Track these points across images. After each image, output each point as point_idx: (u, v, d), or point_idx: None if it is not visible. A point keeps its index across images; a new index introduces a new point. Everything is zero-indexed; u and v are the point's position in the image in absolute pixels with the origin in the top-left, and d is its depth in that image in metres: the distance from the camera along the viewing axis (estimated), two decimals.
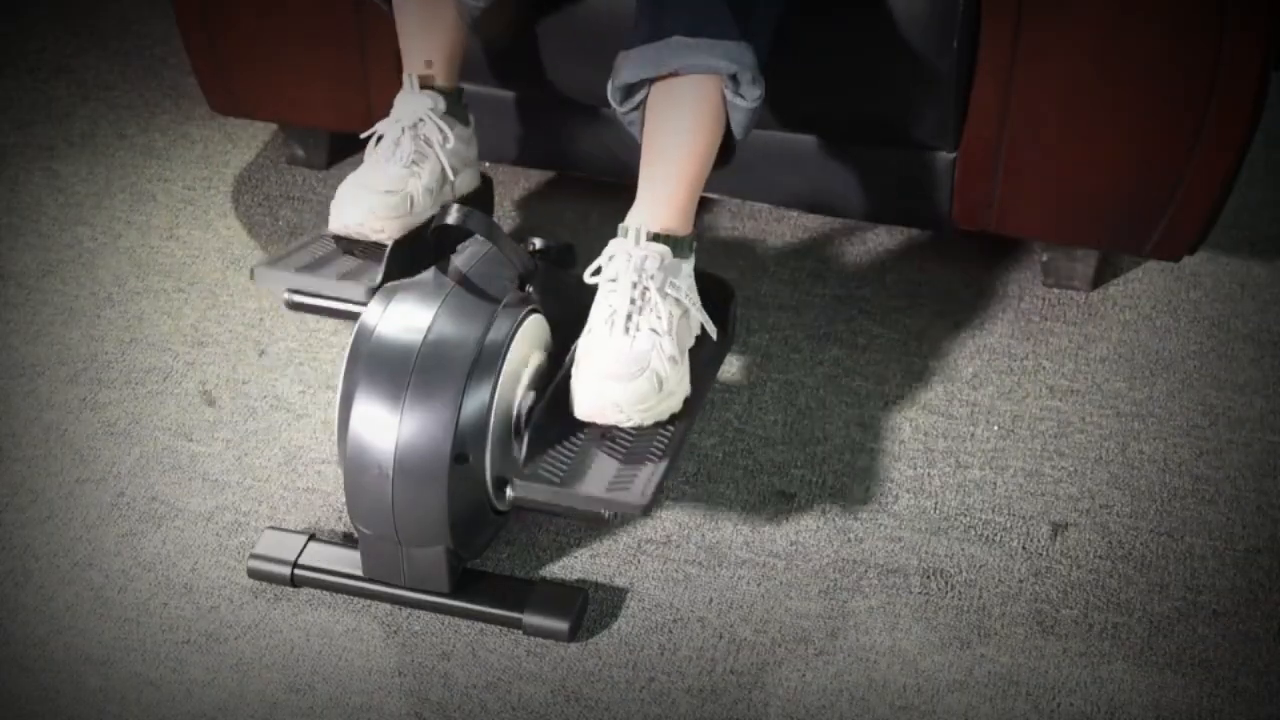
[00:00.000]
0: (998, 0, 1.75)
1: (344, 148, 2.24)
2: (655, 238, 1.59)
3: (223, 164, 2.25)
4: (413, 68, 1.82)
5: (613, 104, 1.66)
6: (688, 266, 1.63)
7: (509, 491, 1.54)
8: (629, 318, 1.56)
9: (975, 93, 1.83)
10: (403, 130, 1.78)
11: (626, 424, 1.54)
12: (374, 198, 1.74)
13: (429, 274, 1.61)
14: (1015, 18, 1.75)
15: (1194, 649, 1.57)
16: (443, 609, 1.59)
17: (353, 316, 1.68)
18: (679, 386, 1.58)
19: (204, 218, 2.15)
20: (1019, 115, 1.82)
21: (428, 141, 1.78)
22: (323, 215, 2.14)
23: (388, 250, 1.72)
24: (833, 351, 1.92)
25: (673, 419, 1.58)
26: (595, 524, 1.66)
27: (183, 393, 1.87)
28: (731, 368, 1.90)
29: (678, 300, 1.59)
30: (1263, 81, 1.73)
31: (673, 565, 1.66)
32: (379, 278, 1.70)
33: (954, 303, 2.00)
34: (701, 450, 1.79)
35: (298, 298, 1.73)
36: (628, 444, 1.56)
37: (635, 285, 1.57)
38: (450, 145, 1.80)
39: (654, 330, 1.56)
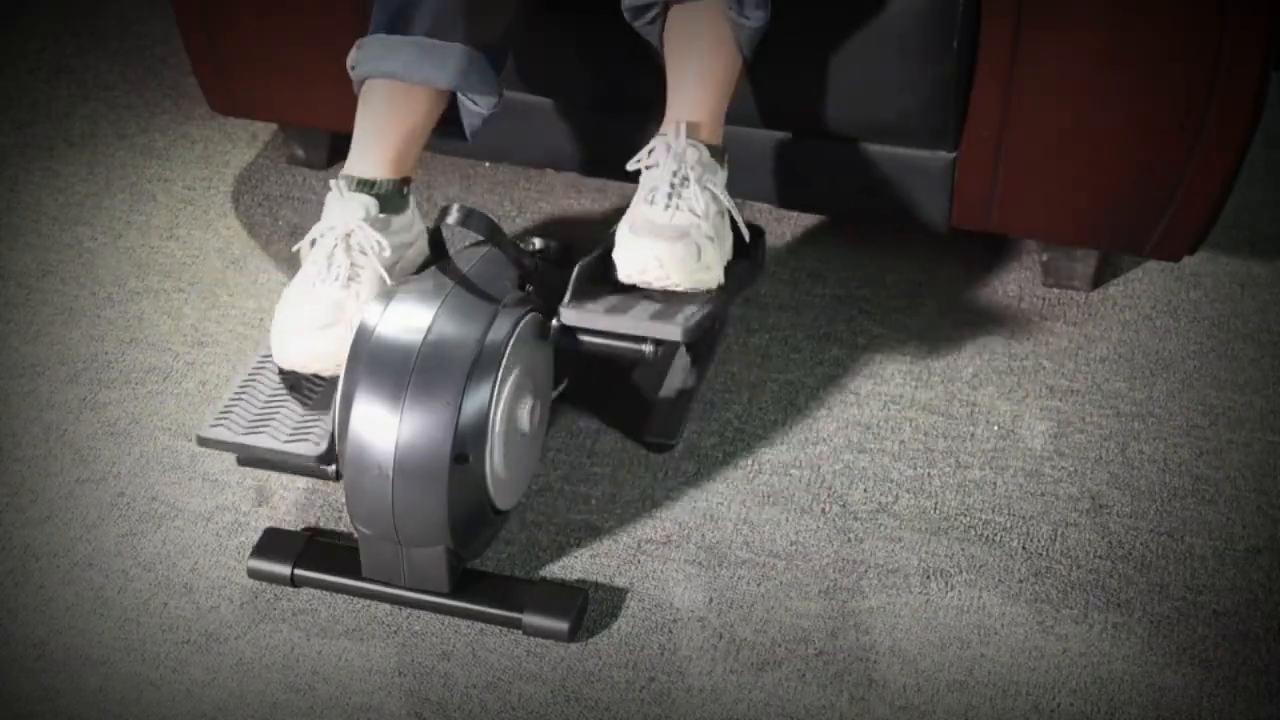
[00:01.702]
0: (998, 0, 1.75)
1: (344, 147, 2.23)
2: (692, 140, 1.67)
3: (223, 164, 2.25)
4: (351, 167, 1.70)
5: (626, 17, 1.75)
6: (722, 175, 1.70)
7: (554, 322, 1.59)
8: (669, 196, 1.63)
9: (975, 93, 1.83)
10: (335, 242, 1.64)
11: (664, 282, 1.61)
12: (313, 337, 1.60)
13: (429, 274, 1.61)
14: (1015, 18, 1.75)
15: (1194, 649, 1.57)
16: (443, 609, 1.59)
17: (308, 471, 1.60)
18: (715, 265, 1.65)
19: (204, 218, 2.15)
20: (1019, 115, 1.82)
21: (362, 251, 1.64)
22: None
23: (334, 401, 1.58)
24: (833, 351, 1.92)
25: (708, 293, 1.65)
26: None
27: (183, 393, 1.87)
28: (731, 367, 1.90)
29: (715, 195, 1.67)
30: (1263, 81, 1.73)
31: (673, 565, 1.66)
32: (324, 445, 1.56)
33: (954, 303, 2.00)
34: (701, 450, 1.79)
35: (249, 455, 1.61)
36: (667, 298, 1.64)
37: (675, 173, 1.64)
38: (386, 253, 1.66)
39: (693, 211, 1.63)
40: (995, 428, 1.82)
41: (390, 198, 1.68)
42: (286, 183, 2.22)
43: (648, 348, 1.61)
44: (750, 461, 1.78)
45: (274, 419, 1.59)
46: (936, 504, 1.73)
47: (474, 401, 1.51)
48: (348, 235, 1.64)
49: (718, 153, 1.70)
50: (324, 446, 1.55)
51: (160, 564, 1.66)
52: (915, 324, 1.96)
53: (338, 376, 1.58)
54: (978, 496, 1.74)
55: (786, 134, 1.93)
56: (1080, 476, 1.76)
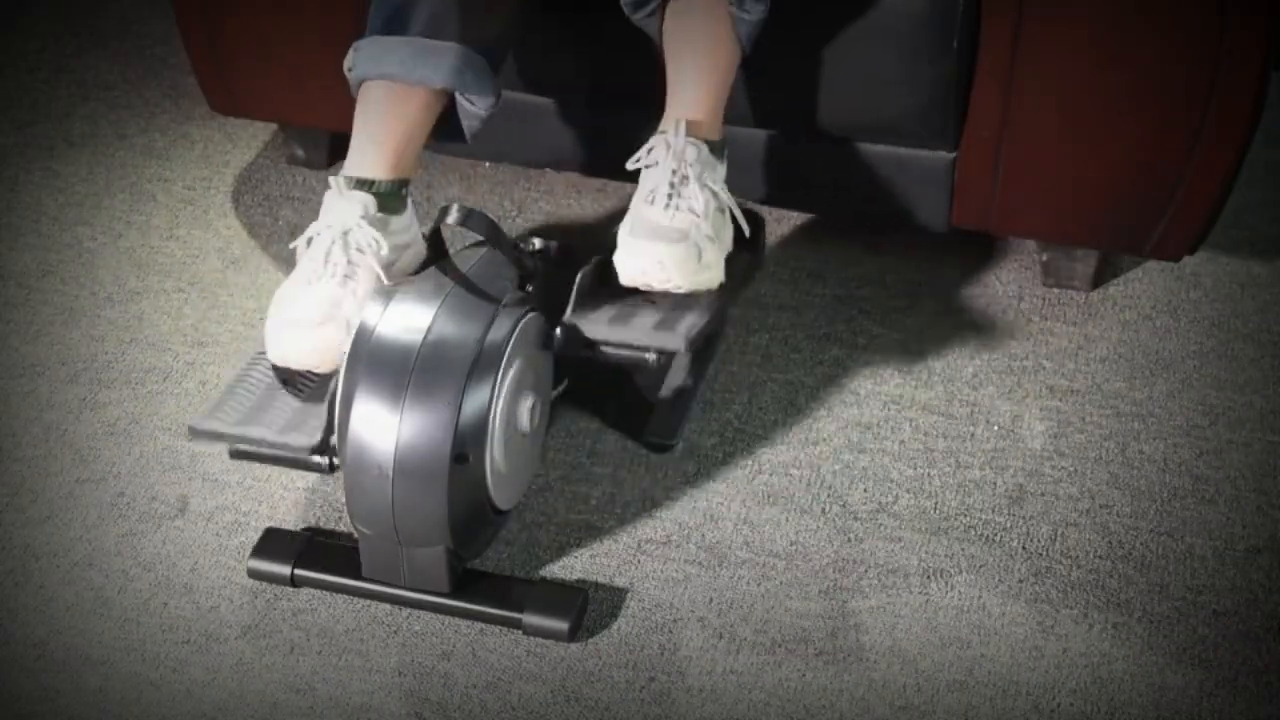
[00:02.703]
0: (998, 0, 1.75)
1: (344, 148, 2.23)
2: (691, 137, 1.68)
3: (223, 164, 2.25)
4: (351, 167, 1.69)
5: (625, 10, 1.75)
6: (722, 170, 1.71)
7: (558, 332, 1.60)
8: (669, 197, 1.64)
9: (975, 93, 1.83)
10: (332, 241, 1.64)
11: (666, 284, 1.62)
12: (309, 334, 1.60)
13: (429, 274, 1.61)
14: (1015, 18, 1.75)
15: (1194, 649, 1.57)
16: (443, 609, 1.59)
17: (302, 465, 1.59)
18: (716, 265, 1.66)
19: (204, 218, 2.15)
20: (1019, 115, 1.82)
21: (360, 249, 1.64)
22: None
23: (328, 395, 1.58)
24: (833, 351, 1.92)
25: (709, 294, 1.67)
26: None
27: (183, 392, 1.87)
28: (732, 367, 1.90)
29: (715, 193, 1.67)
30: (1263, 81, 1.73)
31: (673, 565, 1.66)
32: (319, 437, 1.56)
33: (954, 303, 2.00)
34: (701, 450, 1.79)
35: (242, 447, 1.61)
36: (668, 304, 1.65)
37: (675, 171, 1.65)
38: (384, 252, 1.65)
39: (692, 210, 1.64)
40: (995, 428, 1.82)
41: (389, 198, 1.68)
42: (286, 183, 2.22)
43: (650, 356, 1.62)
44: (750, 461, 1.78)
45: (267, 412, 1.59)
46: (936, 504, 1.73)
47: (474, 401, 1.51)
48: (345, 233, 1.63)
49: (717, 148, 1.71)
50: (318, 438, 1.55)
51: (160, 564, 1.66)
52: (915, 324, 1.96)
53: (331, 373, 1.58)
54: (977, 496, 1.74)
55: (786, 134, 1.93)
56: (1080, 476, 1.76)
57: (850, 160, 1.92)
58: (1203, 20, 1.70)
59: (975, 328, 1.96)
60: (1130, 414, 1.84)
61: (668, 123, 1.70)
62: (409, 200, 1.73)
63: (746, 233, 1.73)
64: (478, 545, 1.62)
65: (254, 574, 1.63)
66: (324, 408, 1.56)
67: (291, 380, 1.63)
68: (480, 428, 1.52)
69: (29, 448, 1.80)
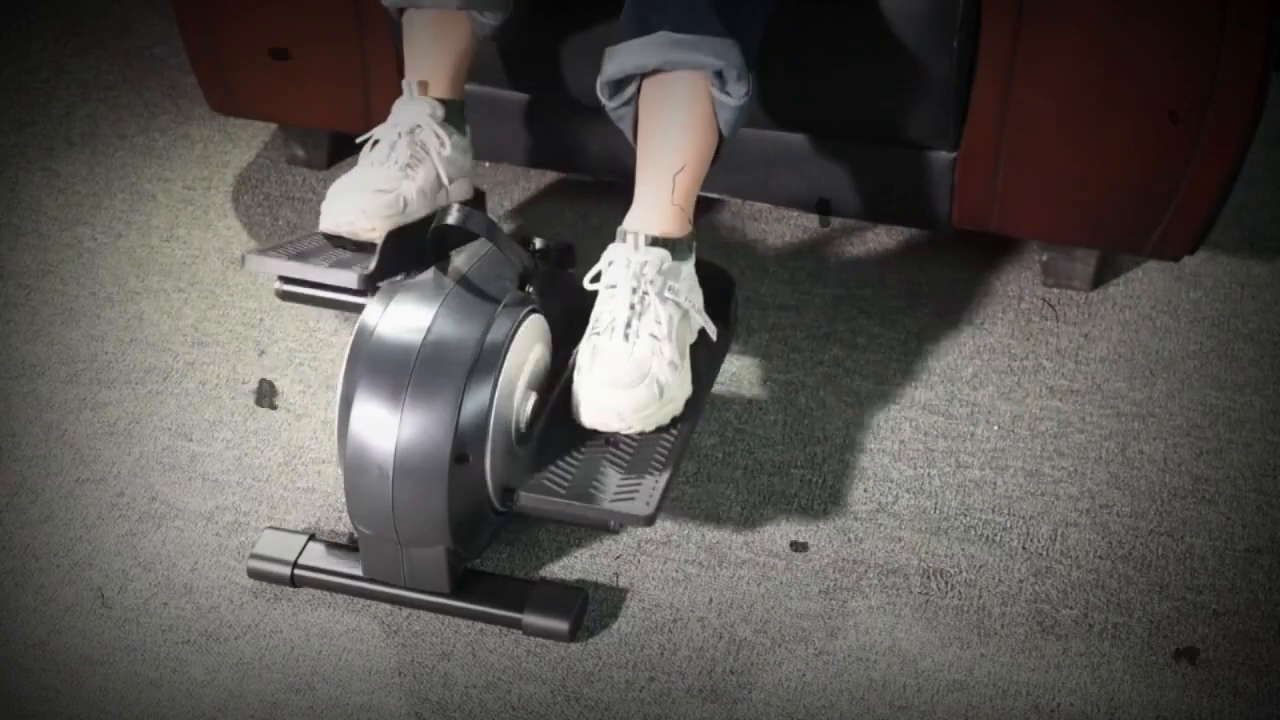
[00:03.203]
0: (998, 0, 1.75)
1: (344, 148, 2.24)
2: (654, 241, 1.59)
3: (223, 164, 2.25)
4: (414, 75, 1.80)
5: (601, 99, 1.67)
6: (687, 268, 1.64)
7: (517, 499, 1.54)
8: (629, 324, 1.56)
9: (975, 93, 1.83)
10: (399, 135, 1.75)
11: (629, 431, 1.55)
12: (366, 196, 1.70)
13: (429, 274, 1.61)
14: (1015, 18, 1.75)
15: (1194, 649, 1.57)
16: (443, 609, 1.59)
17: (345, 306, 1.65)
18: (680, 391, 1.59)
19: (204, 218, 2.15)
20: (1019, 115, 1.82)
21: (424, 147, 1.75)
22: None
23: (381, 241, 1.67)
24: (833, 351, 1.92)
25: (674, 422, 1.59)
26: (600, 530, 1.67)
27: (183, 392, 1.87)
28: (731, 367, 1.90)
29: (677, 304, 1.60)
30: (1263, 81, 1.73)
31: (673, 565, 1.66)
32: (372, 266, 1.64)
33: (954, 303, 2.00)
34: (701, 450, 1.79)
35: (289, 287, 1.68)
36: (631, 451, 1.57)
37: (635, 291, 1.57)
38: (446, 152, 1.77)
39: (654, 335, 1.56)
40: (995, 428, 1.82)
41: (453, 111, 1.79)
42: (286, 183, 2.22)
43: (613, 523, 1.59)
44: (750, 461, 1.78)
45: (318, 255, 1.66)
46: (936, 504, 1.73)
47: (474, 401, 1.51)
48: (412, 130, 1.75)
49: (684, 245, 1.63)
50: (370, 269, 1.61)
51: (160, 564, 1.66)
52: (915, 324, 1.96)
53: (377, 244, 1.65)
54: (977, 496, 1.74)
55: (787, 134, 1.93)
56: (1080, 476, 1.76)
57: (850, 160, 1.93)
58: (1203, 20, 1.70)
59: (975, 328, 1.96)
60: (1130, 414, 1.84)
61: (629, 227, 1.62)
62: (468, 128, 1.83)
63: (714, 337, 1.66)
64: (478, 545, 1.62)
65: (254, 574, 1.63)
66: (374, 254, 1.63)
67: (342, 244, 1.71)
68: (480, 428, 1.52)
69: (29, 448, 1.80)
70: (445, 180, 1.78)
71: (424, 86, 1.78)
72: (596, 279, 1.60)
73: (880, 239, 2.09)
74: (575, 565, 1.66)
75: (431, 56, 1.80)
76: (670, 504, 1.72)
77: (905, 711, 1.52)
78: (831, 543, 1.68)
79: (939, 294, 2.01)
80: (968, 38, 1.78)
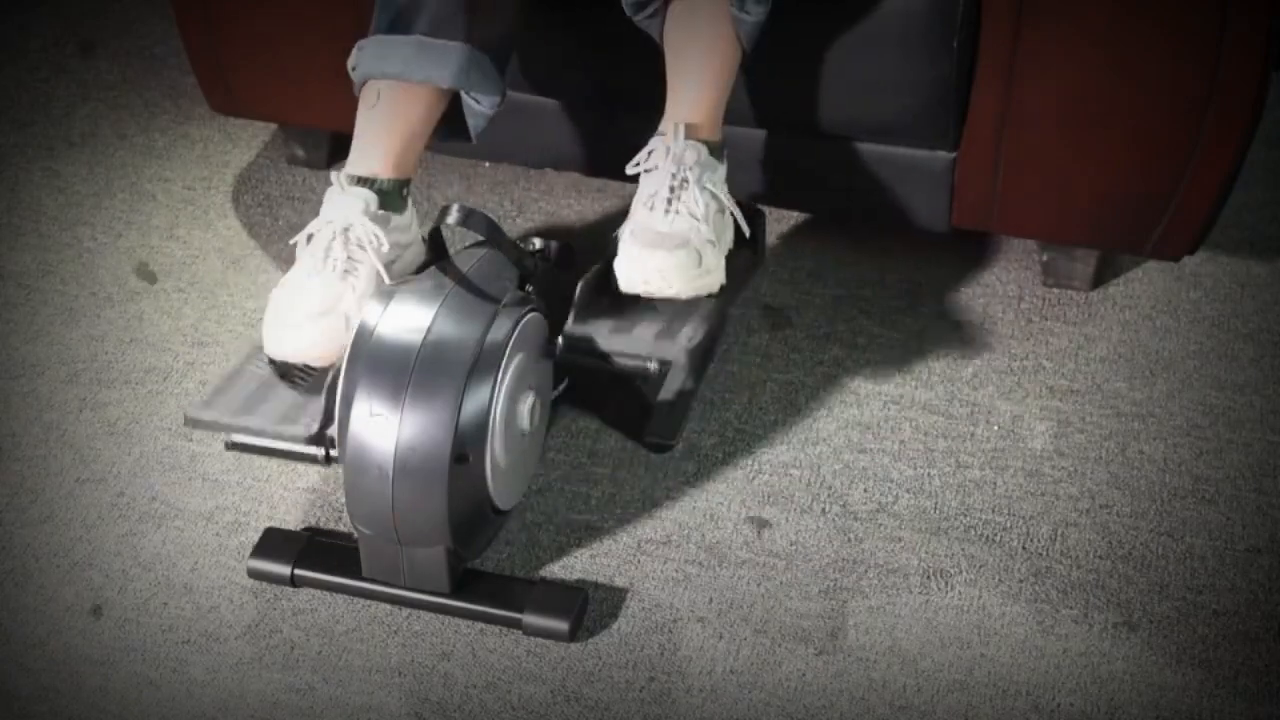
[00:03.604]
0: (998, 0, 1.75)
1: (344, 147, 2.23)
2: (690, 138, 1.68)
3: (223, 164, 2.25)
4: (353, 165, 1.69)
5: (626, 11, 1.75)
6: (722, 171, 1.72)
7: (559, 343, 1.61)
8: (669, 201, 1.65)
9: (975, 93, 1.83)
10: (333, 235, 1.64)
11: (667, 291, 1.62)
12: (308, 326, 1.60)
13: (429, 274, 1.61)
14: (1015, 18, 1.75)
15: (1194, 649, 1.57)
16: (443, 609, 1.59)
17: (297, 456, 1.60)
18: (717, 268, 1.67)
19: (204, 218, 2.15)
20: (1019, 115, 1.82)
21: (360, 245, 1.64)
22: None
23: (328, 383, 1.58)
24: (833, 351, 1.92)
25: (710, 299, 1.67)
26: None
27: (183, 392, 1.87)
28: (731, 367, 1.90)
29: (714, 194, 1.68)
30: (1263, 81, 1.73)
31: (673, 565, 1.66)
32: (319, 419, 1.57)
33: (954, 303, 2.00)
34: (701, 450, 1.79)
35: (238, 438, 1.62)
36: (669, 312, 1.66)
37: (674, 175, 1.66)
38: (384, 248, 1.66)
39: (693, 214, 1.65)
40: (995, 428, 1.82)
41: (390, 195, 1.69)
42: (286, 183, 2.22)
43: (652, 365, 1.63)
44: (750, 461, 1.78)
45: (264, 403, 1.59)
46: (936, 504, 1.73)
47: (474, 401, 1.51)
48: (346, 229, 1.64)
49: (716, 149, 1.71)
50: (315, 428, 1.55)
51: (160, 564, 1.66)
52: (915, 324, 1.96)
53: (329, 367, 1.58)
54: (977, 496, 1.74)
55: (786, 134, 1.93)
56: (1080, 476, 1.76)
57: (850, 160, 1.92)
58: (1203, 20, 1.70)
59: (975, 328, 1.96)
60: (1130, 414, 1.84)
61: (667, 125, 1.71)
62: (409, 200, 1.73)
63: (747, 233, 1.74)
64: (478, 545, 1.62)
65: (254, 574, 1.63)
66: (321, 399, 1.56)
67: (289, 374, 1.63)
68: (480, 428, 1.52)
69: (29, 448, 1.80)
70: (385, 278, 1.65)
71: (359, 179, 1.68)
72: (636, 166, 1.69)
73: (880, 239, 2.09)
74: (575, 565, 1.66)
75: (384, 132, 1.70)
76: (670, 504, 1.72)
77: (905, 711, 1.51)
78: (831, 543, 1.68)
79: (939, 294, 2.01)
80: (968, 38, 1.78)
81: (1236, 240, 2.08)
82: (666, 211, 1.65)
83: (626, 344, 1.63)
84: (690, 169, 1.66)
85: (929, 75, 1.80)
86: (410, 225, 1.74)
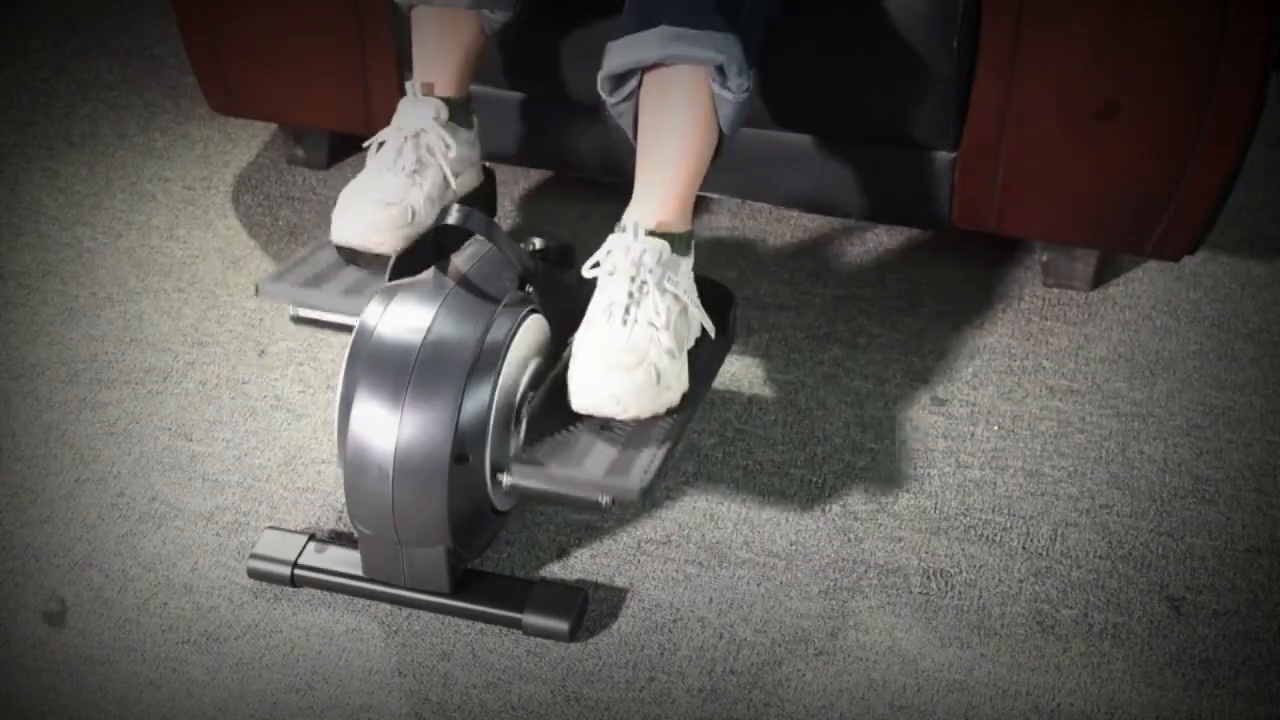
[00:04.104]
0: (998, 0, 1.75)
1: (344, 148, 2.24)
2: (653, 234, 1.59)
3: (223, 164, 2.25)
4: (421, 76, 1.81)
5: (602, 95, 1.67)
6: (686, 264, 1.63)
7: (504, 479, 1.53)
8: (627, 309, 1.56)
9: (975, 93, 1.83)
10: (404, 139, 1.77)
11: (623, 415, 1.54)
12: (375, 210, 1.73)
13: (429, 274, 1.61)
14: (1015, 18, 1.75)
15: (1194, 649, 1.57)
16: (443, 609, 1.59)
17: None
18: (677, 381, 1.57)
19: (204, 218, 2.15)
20: (1019, 115, 1.82)
21: (429, 150, 1.77)
22: (323, 215, 2.14)
23: (390, 264, 1.70)
24: (833, 351, 1.92)
25: (670, 413, 1.57)
26: (593, 511, 1.64)
27: (183, 392, 1.87)
28: (731, 367, 1.90)
29: (676, 296, 1.59)
30: (1263, 81, 1.73)
31: (673, 565, 1.66)
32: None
33: (954, 303, 2.00)
34: (701, 450, 1.79)
35: (304, 312, 1.72)
36: (625, 434, 1.55)
37: (634, 279, 1.57)
38: (452, 153, 1.79)
39: (652, 324, 1.56)
40: (995, 428, 1.82)
41: (458, 109, 1.81)
42: (286, 183, 2.22)
43: (604, 500, 1.51)
44: (750, 461, 1.78)
45: (329, 281, 1.69)
46: (936, 504, 1.73)
47: (474, 401, 1.51)
48: (417, 134, 1.76)
49: (683, 240, 1.63)
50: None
51: (160, 564, 1.66)
52: (915, 324, 1.96)
53: (390, 256, 1.68)
54: (977, 496, 1.74)
55: (787, 134, 1.93)
56: (1080, 476, 1.76)
57: (850, 160, 1.93)
58: (1203, 20, 1.70)
59: (975, 328, 1.96)
60: (1130, 414, 1.84)
61: (627, 221, 1.61)
62: (475, 119, 1.85)
63: (712, 334, 1.66)
64: (478, 545, 1.62)
65: (254, 574, 1.63)
66: (384, 277, 1.64)
67: (354, 260, 1.74)
68: (480, 428, 1.52)
69: (29, 448, 1.80)
70: (451, 182, 1.79)
71: (429, 87, 1.80)
72: (595, 267, 1.60)
73: (880, 239, 2.09)
74: (575, 565, 1.66)
75: (438, 55, 1.81)
76: (670, 504, 1.72)
77: (905, 711, 1.52)
78: (831, 543, 1.68)
79: (939, 294, 2.01)
80: (968, 38, 1.78)
81: (1236, 240, 2.08)
82: (624, 322, 1.55)
83: (576, 486, 1.49)
84: (650, 271, 1.56)
85: (929, 75, 1.80)
86: (474, 145, 1.85)
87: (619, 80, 1.65)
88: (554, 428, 1.55)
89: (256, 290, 1.72)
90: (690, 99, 1.62)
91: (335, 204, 1.76)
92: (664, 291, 1.58)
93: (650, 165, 1.64)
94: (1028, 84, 1.80)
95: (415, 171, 1.75)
